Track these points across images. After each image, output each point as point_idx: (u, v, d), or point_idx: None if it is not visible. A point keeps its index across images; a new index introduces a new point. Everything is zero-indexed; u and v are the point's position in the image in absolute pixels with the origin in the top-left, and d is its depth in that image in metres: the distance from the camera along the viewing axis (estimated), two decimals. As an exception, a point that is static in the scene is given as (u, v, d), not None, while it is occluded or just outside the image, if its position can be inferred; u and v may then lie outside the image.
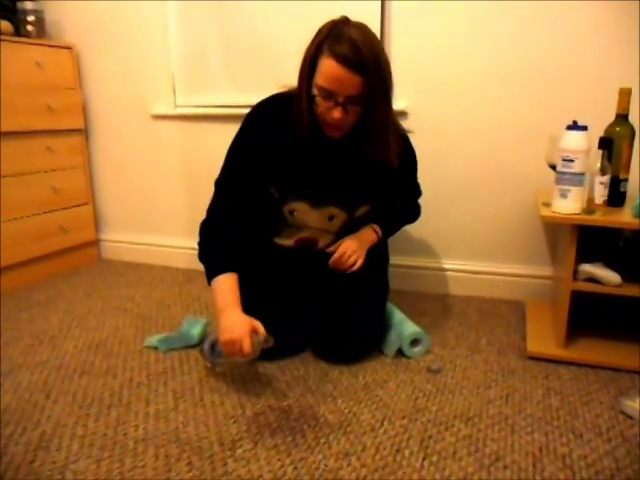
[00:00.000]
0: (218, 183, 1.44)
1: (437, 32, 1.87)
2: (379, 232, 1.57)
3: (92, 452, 1.12)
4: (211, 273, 1.34)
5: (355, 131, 1.32)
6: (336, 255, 1.48)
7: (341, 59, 1.18)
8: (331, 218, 1.50)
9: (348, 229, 1.54)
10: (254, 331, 1.22)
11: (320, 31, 1.24)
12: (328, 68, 1.20)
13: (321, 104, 1.26)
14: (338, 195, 1.46)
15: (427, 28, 1.87)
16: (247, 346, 1.18)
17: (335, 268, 1.49)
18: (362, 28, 1.23)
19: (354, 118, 1.28)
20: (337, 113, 1.24)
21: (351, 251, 1.48)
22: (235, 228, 1.39)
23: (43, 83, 2.20)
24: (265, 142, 1.38)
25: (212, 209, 1.43)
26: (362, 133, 1.32)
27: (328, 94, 1.23)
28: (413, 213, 1.70)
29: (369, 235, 1.55)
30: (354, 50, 1.17)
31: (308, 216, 1.48)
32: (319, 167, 1.42)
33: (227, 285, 1.32)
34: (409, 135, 1.50)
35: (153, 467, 1.07)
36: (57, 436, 1.17)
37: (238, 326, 1.21)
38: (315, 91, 1.25)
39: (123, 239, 2.56)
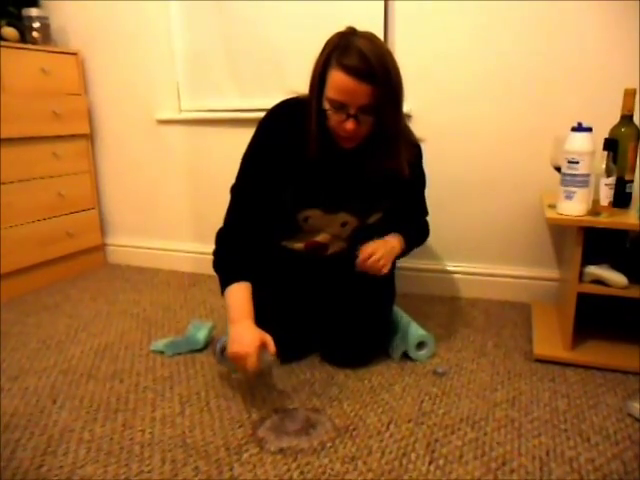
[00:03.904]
0: (234, 191, 1.43)
1: (440, 34, 1.87)
2: (403, 245, 1.50)
3: (99, 457, 1.12)
4: (225, 282, 1.33)
5: (367, 140, 1.32)
6: (364, 255, 1.40)
7: (350, 70, 1.17)
8: (344, 224, 1.49)
9: (358, 235, 1.52)
10: (264, 345, 1.22)
11: (327, 44, 1.23)
12: (338, 80, 1.19)
13: (333, 117, 1.25)
14: (350, 202, 1.45)
15: (430, 30, 1.87)
16: (252, 363, 1.19)
17: (362, 270, 1.41)
18: (369, 37, 1.22)
19: (367, 128, 1.27)
20: (350, 125, 1.23)
21: (380, 255, 1.40)
22: (251, 238, 1.38)
23: (48, 89, 2.21)
24: (280, 151, 1.37)
25: (228, 218, 1.41)
26: (373, 141, 1.31)
27: (339, 106, 1.22)
28: (424, 232, 1.65)
29: (396, 243, 1.48)
30: (362, 60, 1.17)
31: (321, 222, 1.48)
32: (332, 176, 1.41)
33: (241, 295, 1.31)
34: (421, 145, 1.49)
35: (159, 472, 1.07)
36: (64, 441, 1.18)
37: (248, 341, 1.21)
38: (326, 105, 1.24)
39: (129, 243, 2.57)
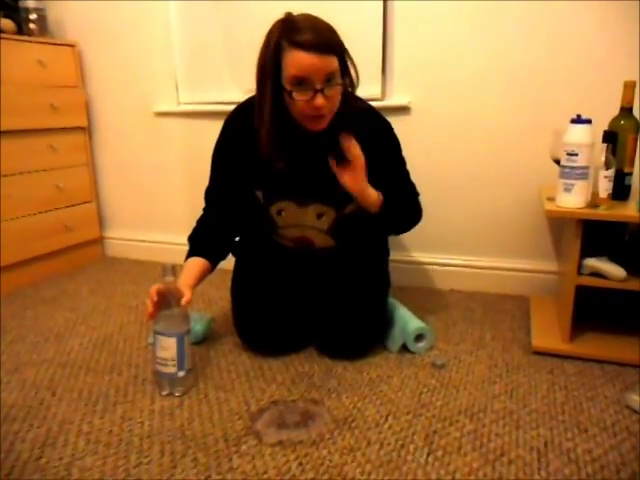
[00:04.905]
0: (206, 193, 1.52)
1: (439, 28, 1.85)
2: (381, 198, 1.40)
3: (98, 449, 1.12)
4: (188, 254, 1.49)
5: (331, 121, 1.30)
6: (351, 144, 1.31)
7: (309, 46, 1.17)
8: (319, 215, 1.48)
9: (339, 227, 1.51)
10: (171, 294, 1.33)
11: (271, 33, 1.23)
12: (299, 59, 1.18)
13: (299, 97, 1.23)
14: (321, 191, 1.43)
15: (429, 24, 1.86)
16: (148, 305, 1.29)
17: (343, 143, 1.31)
18: (309, 14, 1.25)
19: (334, 103, 1.27)
20: (319, 100, 1.21)
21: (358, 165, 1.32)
22: (221, 228, 1.50)
23: (45, 81, 2.20)
24: (241, 147, 1.41)
25: (201, 217, 1.54)
26: (335, 121, 1.30)
27: (305, 84, 1.21)
28: (412, 209, 1.53)
29: (375, 193, 1.39)
30: (315, 34, 1.19)
31: (296, 215, 1.48)
32: (296, 165, 1.39)
33: (190, 265, 1.46)
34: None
35: (158, 463, 1.07)
36: (63, 433, 1.18)
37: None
38: (288, 87, 1.23)
39: (127, 236, 2.56)
